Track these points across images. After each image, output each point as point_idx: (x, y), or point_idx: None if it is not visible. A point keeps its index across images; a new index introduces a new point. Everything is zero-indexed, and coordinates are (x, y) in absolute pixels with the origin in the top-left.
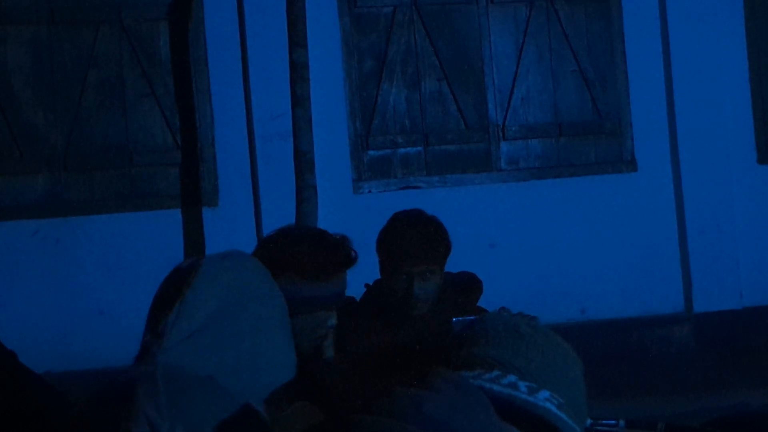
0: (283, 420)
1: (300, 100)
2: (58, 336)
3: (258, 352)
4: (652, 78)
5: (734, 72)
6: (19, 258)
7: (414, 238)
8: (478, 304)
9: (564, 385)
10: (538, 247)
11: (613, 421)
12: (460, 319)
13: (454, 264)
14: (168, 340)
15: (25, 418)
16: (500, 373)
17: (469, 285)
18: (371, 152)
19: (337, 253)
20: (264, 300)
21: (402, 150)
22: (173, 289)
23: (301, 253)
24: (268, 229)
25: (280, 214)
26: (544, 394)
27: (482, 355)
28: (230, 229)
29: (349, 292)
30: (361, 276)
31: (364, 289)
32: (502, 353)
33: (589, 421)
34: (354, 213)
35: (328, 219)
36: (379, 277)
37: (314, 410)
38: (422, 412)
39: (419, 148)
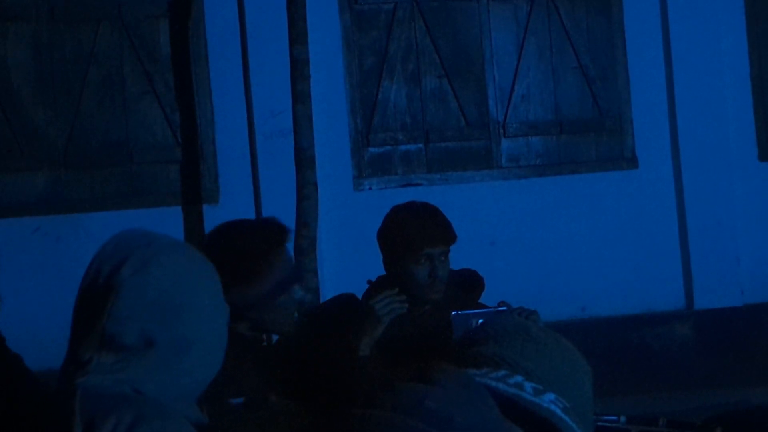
0: (260, 421)
1: (300, 97)
2: (59, 333)
3: (190, 361)
4: (653, 75)
5: (735, 69)
6: (19, 255)
7: (429, 221)
8: (479, 301)
9: (571, 389)
10: (539, 245)
11: (614, 417)
12: (459, 312)
13: (455, 261)
14: (91, 367)
15: (26, 422)
16: (507, 373)
17: (471, 282)
18: (372, 149)
19: (265, 246)
20: (196, 300)
21: (403, 147)
22: (92, 313)
23: (231, 268)
24: None
25: (280, 211)
26: (550, 396)
27: (490, 354)
28: None
29: (350, 290)
30: (364, 272)
31: (367, 286)
32: (510, 353)
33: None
34: (355, 210)
35: (328, 216)
36: (380, 272)
37: (296, 409)
38: (424, 406)
39: (420, 145)
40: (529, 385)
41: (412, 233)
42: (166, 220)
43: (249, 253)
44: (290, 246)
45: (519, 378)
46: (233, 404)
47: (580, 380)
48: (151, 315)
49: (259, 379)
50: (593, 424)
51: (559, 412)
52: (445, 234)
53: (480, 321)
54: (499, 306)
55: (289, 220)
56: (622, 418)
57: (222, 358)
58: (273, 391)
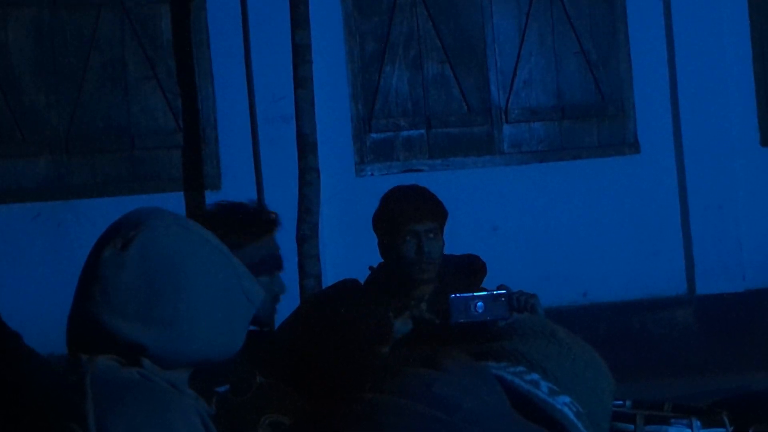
0: (250, 404)
1: (302, 83)
2: (61, 318)
3: (195, 335)
4: (655, 59)
5: (737, 54)
6: (20, 241)
7: (413, 198)
8: (482, 286)
9: (588, 396)
10: (541, 230)
11: (620, 402)
12: (458, 295)
13: (457, 247)
14: (97, 352)
15: (27, 397)
16: (525, 369)
17: (473, 267)
18: (373, 135)
19: (253, 222)
20: (186, 277)
21: (404, 133)
22: (83, 296)
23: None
24: None
25: (282, 196)
26: (564, 399)
27: (511, 349)
28: None
29: (352, 275)
30: (366, 258)
31: (369, 272)
32: (531, 351)
33: None
34: (356, 196)
35: (330, 202)
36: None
37: (286, 390)
38: (432, 392)
39: (422, 131)
40: (545, 385)
41: (397, 211)
42: (168, 206)
43: (235, 225)
44: (278, 239)
45: (536, 376)
46: (219, 392)
47: (600, 390)
48: (135, 295)
49: (247, 364)
50: None
51: (571, 415)
52: (431, 210)
53: (479, 304)
54: (498, 290)
55: (291, 206)
56: (628, 403)
57: (237, 334)
58: (261, 375)
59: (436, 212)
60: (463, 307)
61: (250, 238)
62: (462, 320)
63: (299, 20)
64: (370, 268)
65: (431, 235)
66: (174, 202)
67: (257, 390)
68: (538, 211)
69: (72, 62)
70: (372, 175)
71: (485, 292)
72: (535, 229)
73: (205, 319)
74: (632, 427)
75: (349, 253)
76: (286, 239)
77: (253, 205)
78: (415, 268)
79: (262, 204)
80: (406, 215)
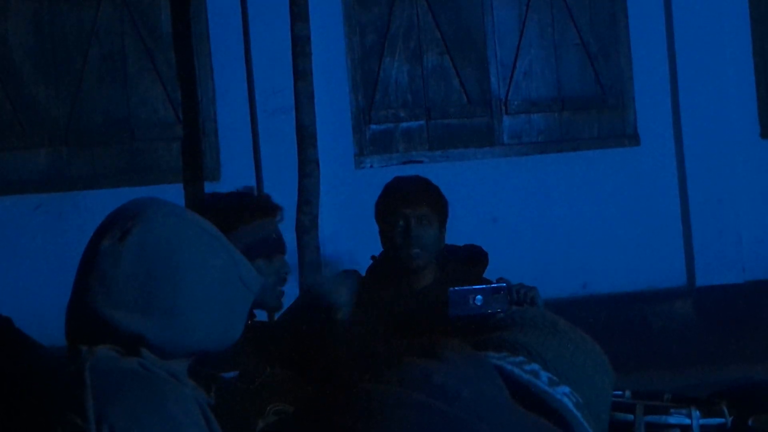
0: (256, 392)
1: (302, 75)
2: (61, 310)
3: (193, 325)
4: (655, 51)
5: (738, 46)
6: (21, 232)
7: (407, 184)
8: (483, 276)
9: (588, 387)
10: (541, 222)
11: (619, 392)
12: (457, 288)
13: (457, 238)
14: (97, 342)
15: (20, 381)
16: (524, 360)
17: (474, 257)
18: (373, 126)
19: (240, 204)
20: (184, 267)
21: (404, 124)
22: (81, 285)
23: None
24: None
25: (282, 188)
26: (564, 389)
27: (512, 340)
28: None
29: (352, 266)
30: (365, 249)
31: (370, 262)
32: (531, 342)
33: None
34: (356, 187)
35: (330, 194)
36: (381, 248)
37: (294, 378)
38: (432, 382)
39: (421, 123)
40: (545, 375)
41: (391, 196)
42: (167, 198)
43: (225, 209)
44: (280, 224)
45: (536, 366)
46: (226, 378)
47: (600, 381)
48: (133, 285)
49: (253, 354)
50: (607, 425)
51: (570, 405)
52: (424, 196)
53: (478, 297)
54: (497, 282)
55: (290, 198)
56: (627, 393)
57: (235, 323)
58: (269, 365)
59: (431, 199)
60: (462, 300)
61: (242, 221)
62: (461, 313)
63: (299, 12)
64: (372, 257)
65: (424, 221)
66: (173, 193)
67: (265, 378)
68: (538, 202)
69: (72, 54)
70: (371, 166)
71: (484, 285)
72: (534, 220)
73: (203, 308)
74: (632, 417)
75: (348, 244)
76: (285, 231)
77: (247, 191)
78: (403, 253)
79: (258, 190)
80: (398, 199)
